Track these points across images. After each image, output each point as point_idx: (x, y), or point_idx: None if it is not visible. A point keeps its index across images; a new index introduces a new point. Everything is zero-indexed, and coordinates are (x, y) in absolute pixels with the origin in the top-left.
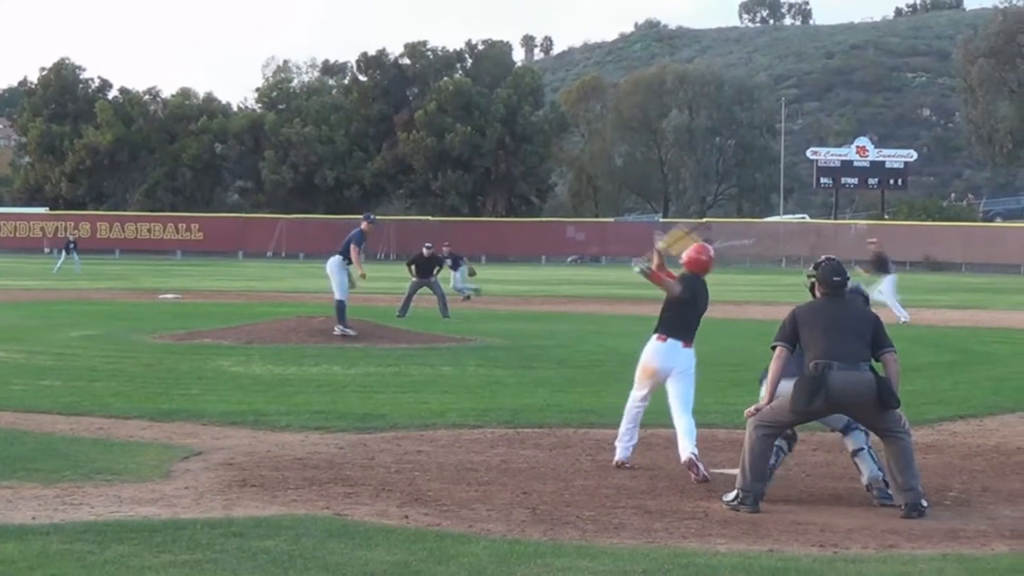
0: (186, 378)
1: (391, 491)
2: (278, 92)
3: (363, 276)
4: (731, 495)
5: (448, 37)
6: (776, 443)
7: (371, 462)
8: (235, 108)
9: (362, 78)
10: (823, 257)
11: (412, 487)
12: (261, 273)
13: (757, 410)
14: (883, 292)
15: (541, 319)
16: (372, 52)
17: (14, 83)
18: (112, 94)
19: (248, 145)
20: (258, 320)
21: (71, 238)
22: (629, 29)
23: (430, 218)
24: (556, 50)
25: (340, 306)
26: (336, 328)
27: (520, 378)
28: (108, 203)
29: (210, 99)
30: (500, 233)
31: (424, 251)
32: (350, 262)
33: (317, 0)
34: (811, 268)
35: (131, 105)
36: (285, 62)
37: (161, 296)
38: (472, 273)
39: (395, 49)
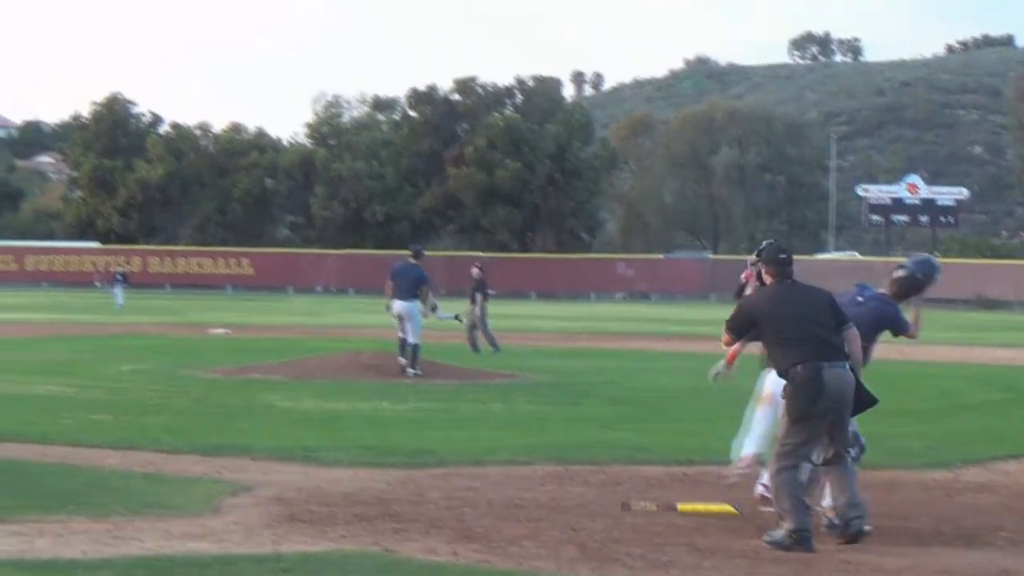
0: (236, 413)
1: (440, 527)
2: (328, 127)
3: (425, 316)
4: (777, 535)
5: (498, 73)
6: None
7: (420, 498)
8: (286, 143)
9: (412, 113)
10: (763, 242)
11: (461, 523)
12: (311, 308)
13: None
14: None
15: (590, 356)
16: (422, 88)
17: (66, 118)
18: (163, 129)
19: (298, 180)
20: (308, 355)
21: (120, 272)
22: (679, 66)
23: (480, 253)
24: (606, 86)
25: (417, 349)
26: (410, 370)
27: (569, 415)
28: (159, 237)
29: (261, 134)
30: (549, 269)
31: (473, 272)
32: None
33: (367, 35)
34: (753, 257)
35: (182, 140)
36: (335, 97)
37: (211, 331)
38: (458, 319)
39: (445, 85)
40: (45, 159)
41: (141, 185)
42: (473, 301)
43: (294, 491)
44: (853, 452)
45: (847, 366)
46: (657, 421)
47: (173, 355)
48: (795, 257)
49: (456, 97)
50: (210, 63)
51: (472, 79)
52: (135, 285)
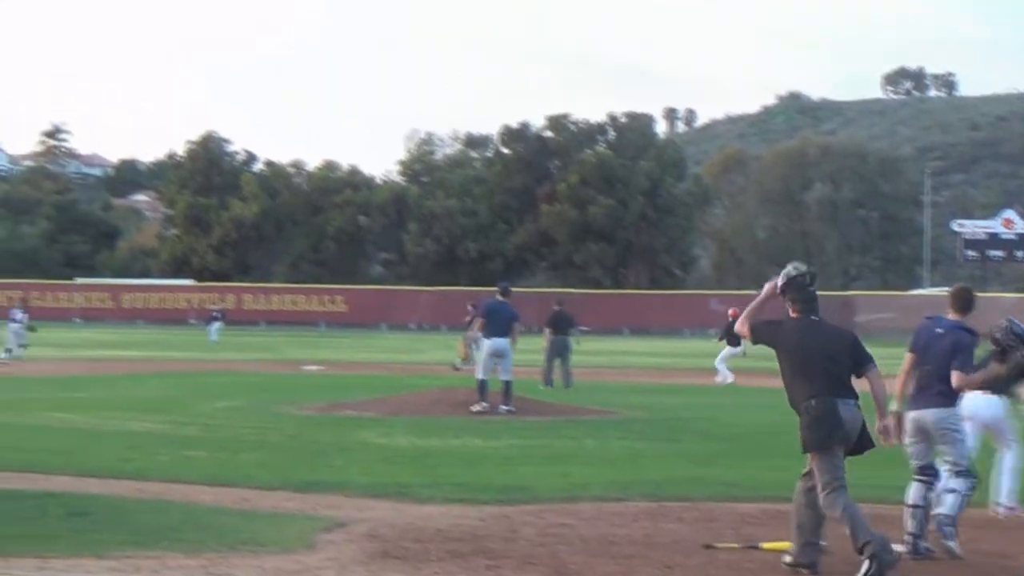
0: (329, 449)
1: (534, 564)
2: (421, 164)
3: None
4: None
5: (590, 110)
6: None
7: (514, 534)
8: (379, 180)
9: (505, 151)
10: (792, 268)
11: (555, 560)
12: (404, 345)
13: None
14: None
15: (684, 392)
16: (515, 125)
17: (162, 156)
18: (258, 167)
19: (391, 217)
20: (401, 392)
21: (216, 311)
22: (771, 101)
23: (572, 290)
24: (698, 123)
25: (510, 386)
26: (502, 407)
27: (662, 451)
28: (253, 275)
29: (354, 171)
30: (642, 306)
31: (555, 307)
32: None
33: (460, 73)
34: (779, 280)
35: (276, 178)
36: (428, 134)
37: (305, 368)
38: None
39: (537, 122)
40: (141, 197)
41: (235, 223)
42: (557, 334)
43: (388, 527)
44: (965, 486)
45: (857, 404)
46: (751, 457)
47: (267, 392)
48: (892, 293)
49: (548, 134)
50: (304, 102)
51: (564, 116)
52: (230, 322)
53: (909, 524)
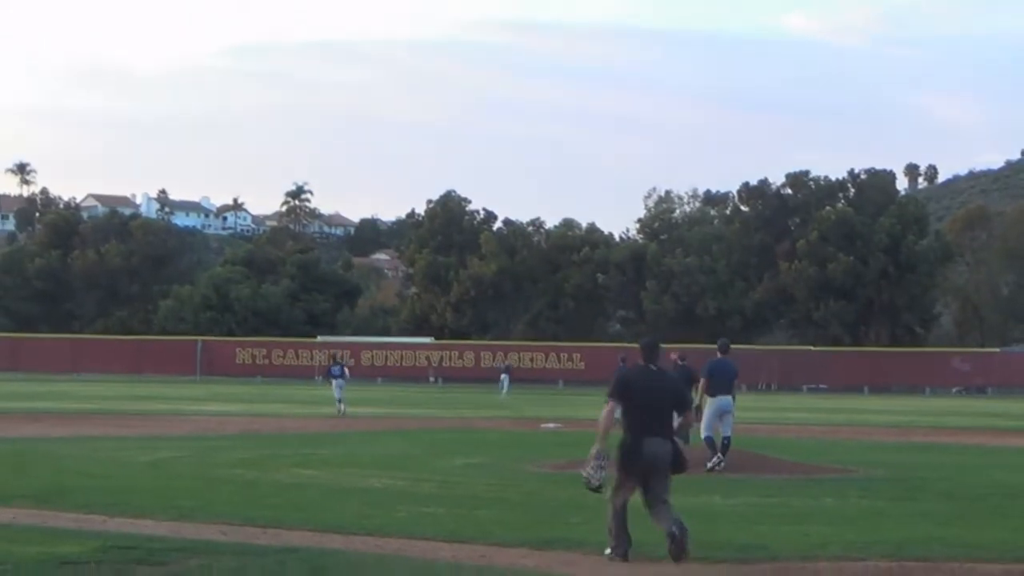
0: (566, 507)
1: None
2: (660, 223)
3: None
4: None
5: (830, 166)
6: None
7: None
8: (617, 238)
9: (743, 208)
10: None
11: None
12: None
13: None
14: None
15: (925, 450)
16: (753, 182)
17: (402, 215)
18: (496, 225)
19: (630, 275)
20: None
21: (504, 364)
22: (1015, 156)
23: (811, 348)
24: (940, 178)
25: (729, 442)
26: (716, 459)
27: (903, 510)
28: (491, 332)
29: (592, 229)
30: (882, 363)
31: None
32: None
33: (697, 130)
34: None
35: (515, 236)
36: (667, 192)
37: (543, 425)
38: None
39: (776, 179)
40: (381, 256)
41: (474, 281)
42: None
43: None
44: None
45: (670, 439)
46: (995, 517)
47: (505, 449)
48: None
49: (788, 191)
50: (542, 161)
51: (804, 173)
52: (467, 380)
53: None
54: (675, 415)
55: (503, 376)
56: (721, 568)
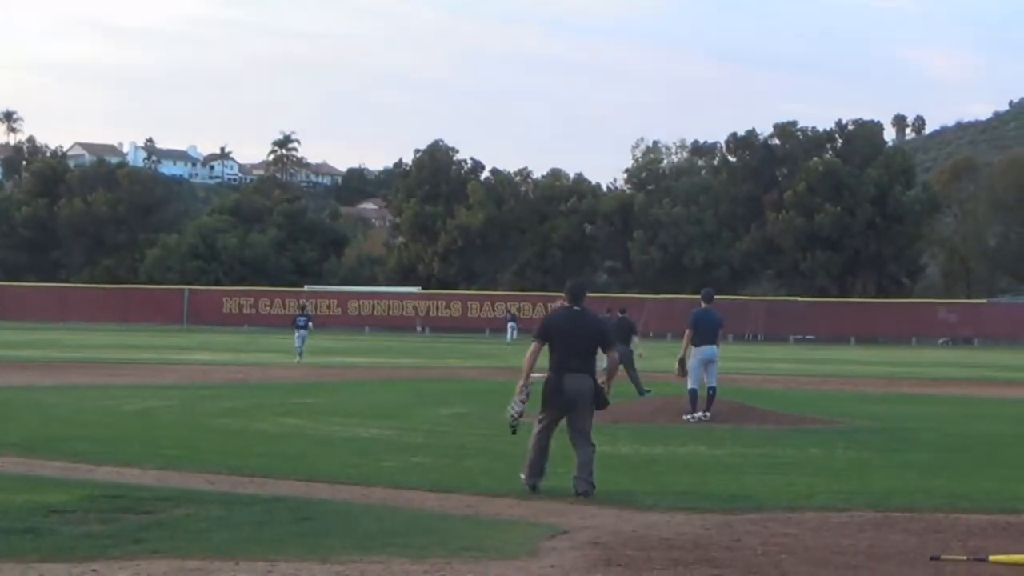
0: (554, 457)
1: (757, 573)
2: (647, 173)
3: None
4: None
5: (818, 117)
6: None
7: (737, 543)
8: (604, 188)
9: (731, 159)
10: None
11: (778, 570)
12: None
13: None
14: None
15: (911, 401)
16: (741, 133)
17: (389, 165)
18: (484, 175)
19: (617, 225)
20: (626, 400)
21: (510, 314)
22: (1004, 108)
23: (798, 298)
24: (928, 130)
25: (715, 392)
26: (699, 414)
27: (889, 461)
28: (479, 282)
29: (580, 180)
30: (869, 314)
31: (619, 315)
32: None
33: (686, 81)
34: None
35: (502, 186)
36: (655, 143)
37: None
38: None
39: (764, 129)
40: (368, 206)
41: (461, 231)
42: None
43: (611, 535)
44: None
45: (590, 376)
46: (980, 468)
47: (492, 399)
48: None
49: (775, 142)
50: (530, 110)
51: (792, 124)
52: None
53: None
54: (601, 354)
55: (509, 324)
56: (707, 518)
